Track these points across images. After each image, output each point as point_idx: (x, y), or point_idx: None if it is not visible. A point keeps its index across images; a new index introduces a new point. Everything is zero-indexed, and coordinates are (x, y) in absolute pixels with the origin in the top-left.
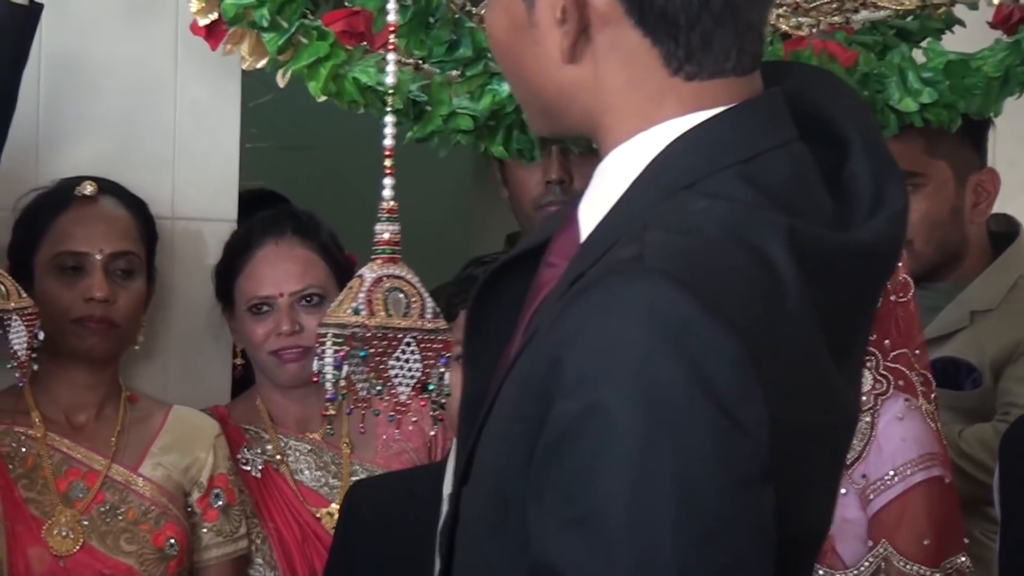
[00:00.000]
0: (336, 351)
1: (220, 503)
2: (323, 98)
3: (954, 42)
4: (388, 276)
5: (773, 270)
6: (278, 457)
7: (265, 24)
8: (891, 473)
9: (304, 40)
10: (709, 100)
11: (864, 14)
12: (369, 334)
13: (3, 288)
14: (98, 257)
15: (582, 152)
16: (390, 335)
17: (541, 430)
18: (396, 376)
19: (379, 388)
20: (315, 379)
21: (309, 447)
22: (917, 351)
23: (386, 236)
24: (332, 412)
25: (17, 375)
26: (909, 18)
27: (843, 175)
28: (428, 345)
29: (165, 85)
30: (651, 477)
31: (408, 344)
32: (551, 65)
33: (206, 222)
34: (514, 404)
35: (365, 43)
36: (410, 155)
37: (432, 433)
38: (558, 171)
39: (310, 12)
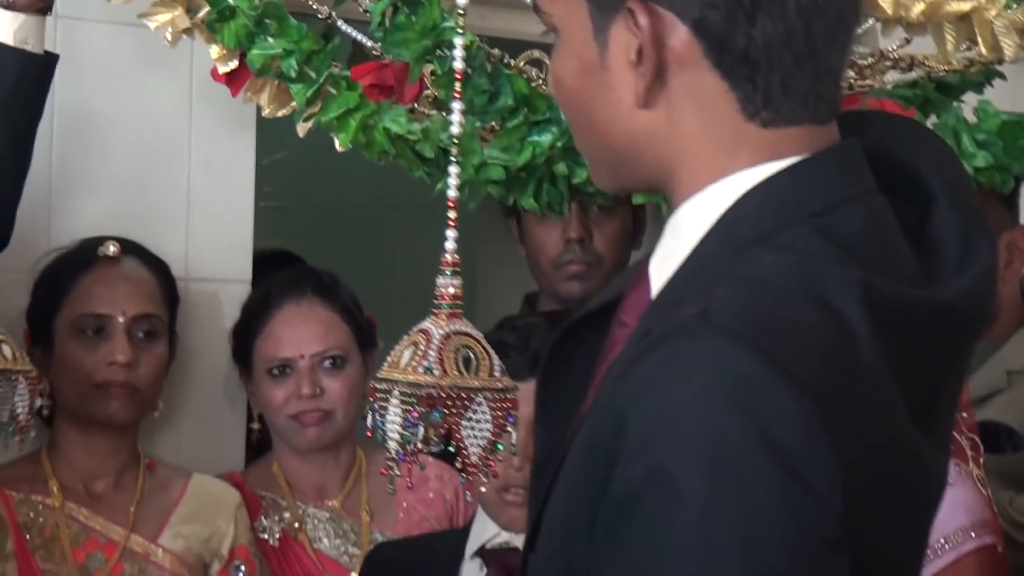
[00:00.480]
0: (407, 411)
1: (240, 574)
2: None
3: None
4: (456, 333)
5: (846, 327)
6: (296, 525)
7: (293, 75)
8: (942, 540)
9: (332, 91)
10: (784, 149)
11: (916, 72)
12: (444, 394)
13: (8, 351)
14: (120, 320)
15: (602, 210)
16: (463, 395)
17: (605, 494)
18: (468, 437)
19: (451, 449)
20: (369, 434)
21: (328, 515)
22: (964, 413)
23: (450, 290)
24: (396, 473)
25: (17, 439)
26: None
27: (928, 229)
28: (498, 404)
29: (179, 141)
30: (716, 543)
31: (479, 404)
32: (624, 111)
33: (221, 283)
34: (580, 467)
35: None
36: (413, 211)
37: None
38: (578, 229)
39: (336, 63)
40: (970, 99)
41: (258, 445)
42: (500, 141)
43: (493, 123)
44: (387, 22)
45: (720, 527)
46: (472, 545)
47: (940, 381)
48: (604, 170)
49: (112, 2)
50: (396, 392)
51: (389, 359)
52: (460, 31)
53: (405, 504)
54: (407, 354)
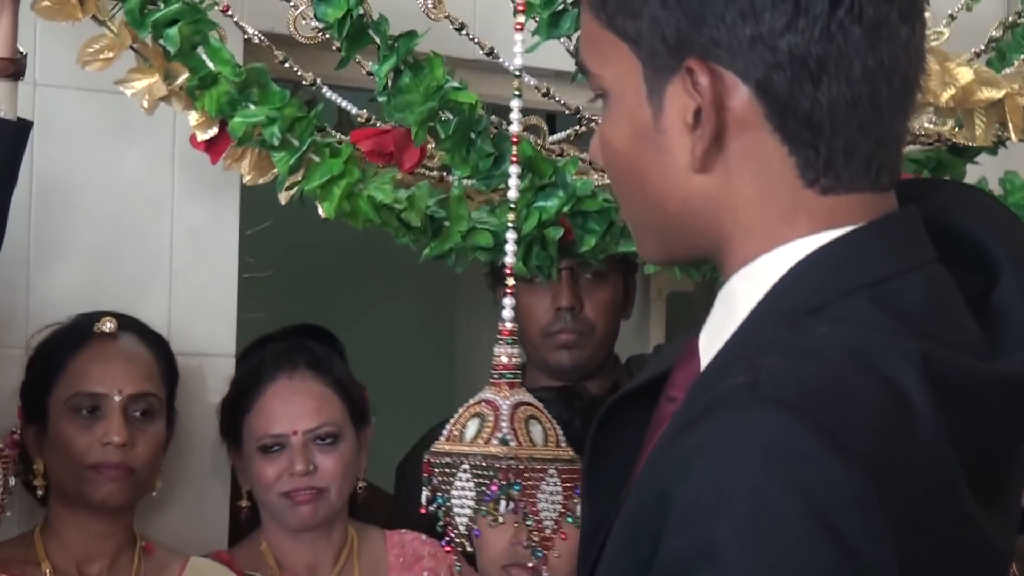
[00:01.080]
0: (482, 484)
1: None
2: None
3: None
4: (523, 403)
5: (904, 399)
6: None
7: (276, 142)
8: None
9: (316, 158)
10: (842, 217)
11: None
12: (522, 467)
13: None
14: (116, 399)
15: (593, 277)
16: (538, 466)
17: (650, 569)
18: (543, 509)
19: (529, 522)
20: (423, 510)
21: None
22: None
23: (504, 360)
24: (468, 548)
25: None
26: None
27: (992, 300)
28: (567, 475)
29: (160, 209)
30: None
31: (552, 475)
32: (678, 175)
33: (205, 357)
34: (624, 543)
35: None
36: (399, 276)
37: None
38: (569, 297)
39: (319, 131)
40: (989, 163)
41: (246, 523)
42: (505, 208)
43: (500, 187)
44: (390, 85)
45: None
46: None
47: (1006, 455)
48: (652, 239)
49: (86, 69)
50: (466, 466)
51: (447, 432)
52: (517, 93)
53: None
54: (473, 426)
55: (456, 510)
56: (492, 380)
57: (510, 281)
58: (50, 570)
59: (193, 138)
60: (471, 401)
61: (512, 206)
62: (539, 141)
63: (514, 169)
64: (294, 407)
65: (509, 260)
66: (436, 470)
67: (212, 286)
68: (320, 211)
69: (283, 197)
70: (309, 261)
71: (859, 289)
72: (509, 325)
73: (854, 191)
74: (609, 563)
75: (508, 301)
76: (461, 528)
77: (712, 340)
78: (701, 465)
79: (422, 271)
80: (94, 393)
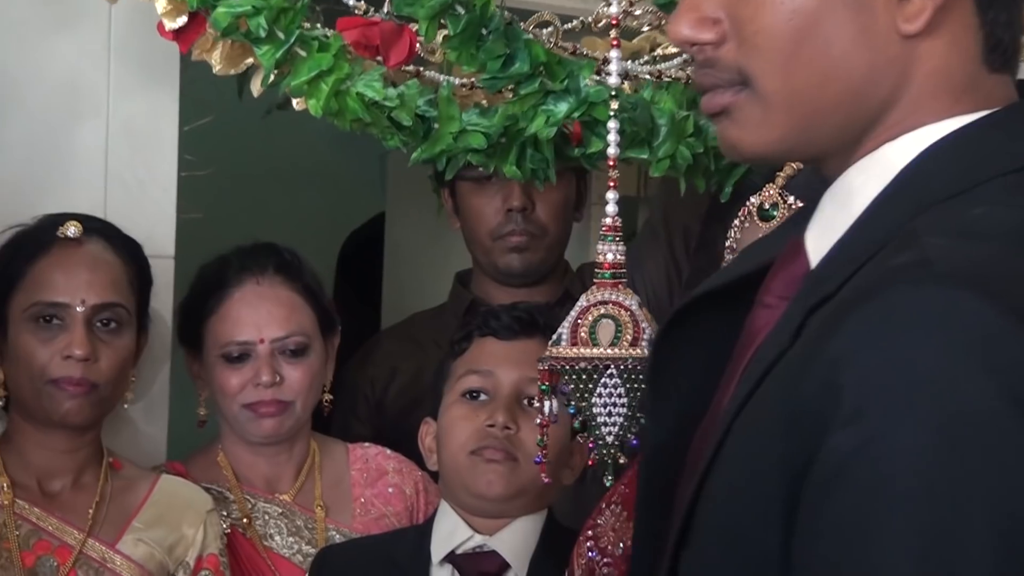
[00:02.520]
0: (634, 390)
1: None
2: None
3: None
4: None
5: None
6: (244, 520)
7: (262, 34)
8: None
9: (302, 52)
10: (994, 98)
11: None
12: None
13: None
14: (79, 309)
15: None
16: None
17: (807, 472)
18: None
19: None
20: (545, 423)
21: (280, 509)
22: None
23: (610, 258)
24: (618, 460)
25: None
26: None
27: None
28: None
29: (96, 103)
30: (960, 524)
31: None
32: (876, 39)
33: None
34: (756, 453)
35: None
36: (337, 179)
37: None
38: (520, 198)
39: (306, 22)
40: None
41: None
42: (511, 107)
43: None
44: None
45: (965, 504)
46: (439, 550)
47: None
48: (789, 122)
49: None
50: (612, 371)
51: (568, 337)
52: None
53: (362, 499)
54: (607, 328)
55: (603, 418)
56: (597, 280)
57: (613, 174)
58: (7, 484)
59: (160, 27)
60: (582, 304)
61: (612, 92)
62: (552, 39)
63: (615, 59)
64: (262, 313)
65: (612, 152)
66: (569, 377)
67: (150, 184)
68: (300, 107)
69: (256, 89)
70: (251, 159)
71: (1000, 175)
72: (610, 220)
73: (1005, 72)
74: (734, 483)
75: (612, 195)
76: (608, 439)
77: (823, 237)
78: (871, 351)
79: (354, 172)
80: (55, 303)
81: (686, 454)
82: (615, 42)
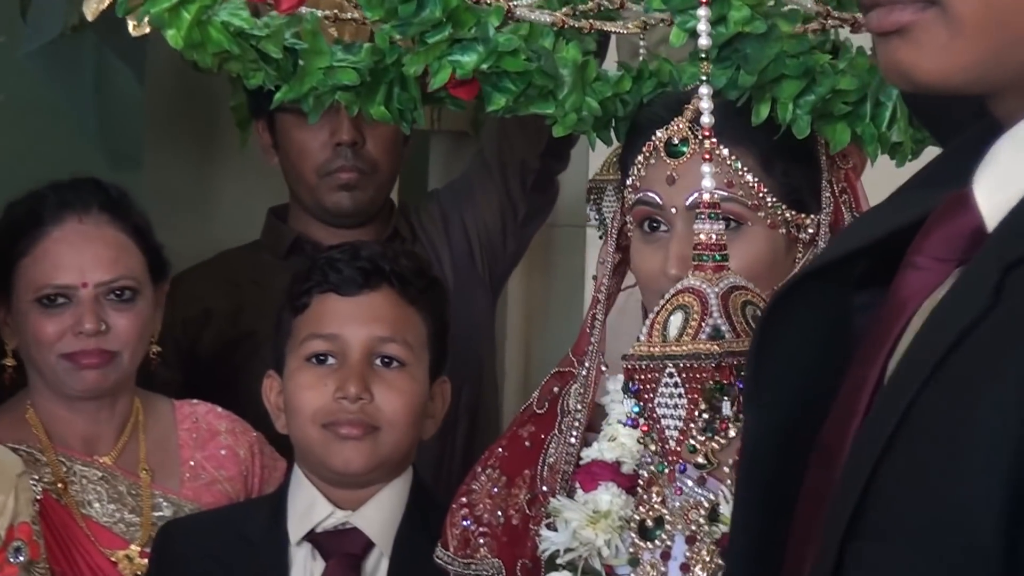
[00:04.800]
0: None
1: (21, 558)
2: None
3: None
4: (737, 288)
5: None
6: (59, 485)
7: None
8: None
9: None
10: None
11: None
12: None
13: None
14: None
15: None
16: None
17: None
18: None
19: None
20: (643, 427)
21: (100, 473)
22: None
23: (704, 238)
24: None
25: None
26: None
27: None
28: None
29: None
30: None
31: None
32: None
33: None
34: (972, 426)
35: None
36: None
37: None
38: (350, 131)
39: None
40: None
41: (11, 386)
42: (417, 58)
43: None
44: None
45: None
46: (297, 528)
47: None
48: (975, 45)
49: None
50: (671, 369)
51: (648, 329)
52: None
53: (192, 462)
54: (676, 320)
55: (666, 420)
56: (695, 263)
57: (707, 144)
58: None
59: None
60: (670, 292)
61: (703, 55)
62: None
63: (703, 11)
64: (85, 255)
65: (706, 120)
66: (637, 376)
67: None
68: (137, 32)
69: (91, 12)
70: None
71: None
72: (709, 196)
73: None
74: (940, 451)
75: (707, 168)
76: (671, 443)
77: (1002, 189)
78: None
79: None
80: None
81: (807, 442)
82: None
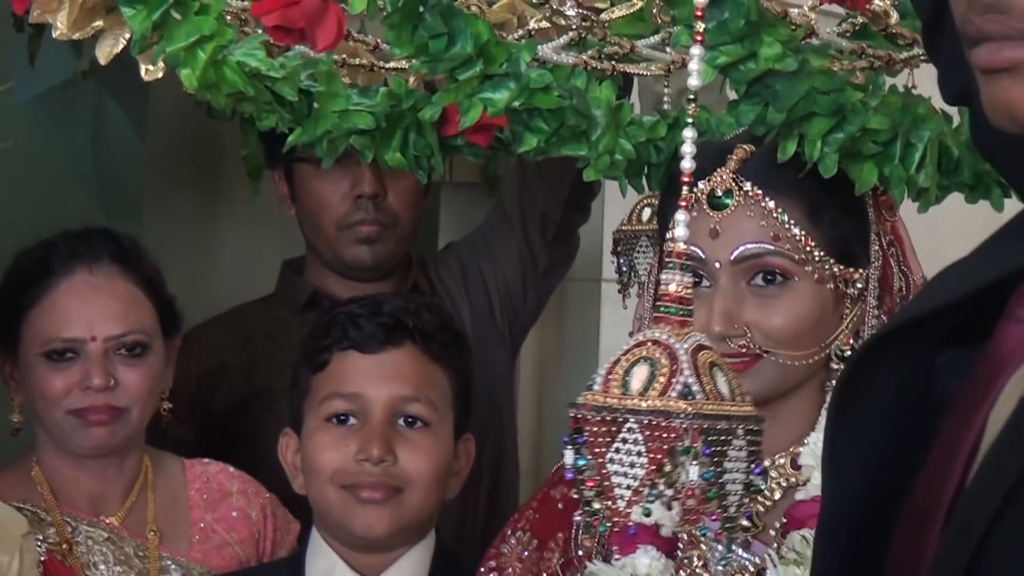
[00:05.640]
0: (655, 447)
1: None
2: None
3: None
4: (703, 347)
5: None
6: (64, 546)
7: None
8: None
9: (176, 15)
10: None
11: None
12: (707, 425)
13: None
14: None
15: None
16: (724, 426)
17: None
18: (729, 481)
19: (711, 494)
20: (589, 483)
21: (106, 534)
22: None
23: (674, 289)
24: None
25: None
26: None
27: None
28: (753, 439)
29: None
30: None
31: (739, 437)
32: None
33: None
34: None
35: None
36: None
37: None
38: (372, 183)
39: None
40: None
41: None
42: (447, 96)
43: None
44: None
45: None
46: None
47: None
48: None
49: None
50: (632, 424)
51: (602, 380)
52: None
53: (202, 524)
54: (640, 373)
55: (617, 479)
56: (658, 315)
57: (685, 190)
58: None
59: None
60: (629, 344)
61: (692, 96)
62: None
63: (696, 50)
64: (95, 307)
65: (686, 165)
66: (588, 428)
67: None
68: (150, 77)
69: (104, 56)
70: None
71: None
72: (682, 246)
73: None
74: None
75: (681, 216)
76: (620, 503)
77: None
78: None
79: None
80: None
81: (890, 505)
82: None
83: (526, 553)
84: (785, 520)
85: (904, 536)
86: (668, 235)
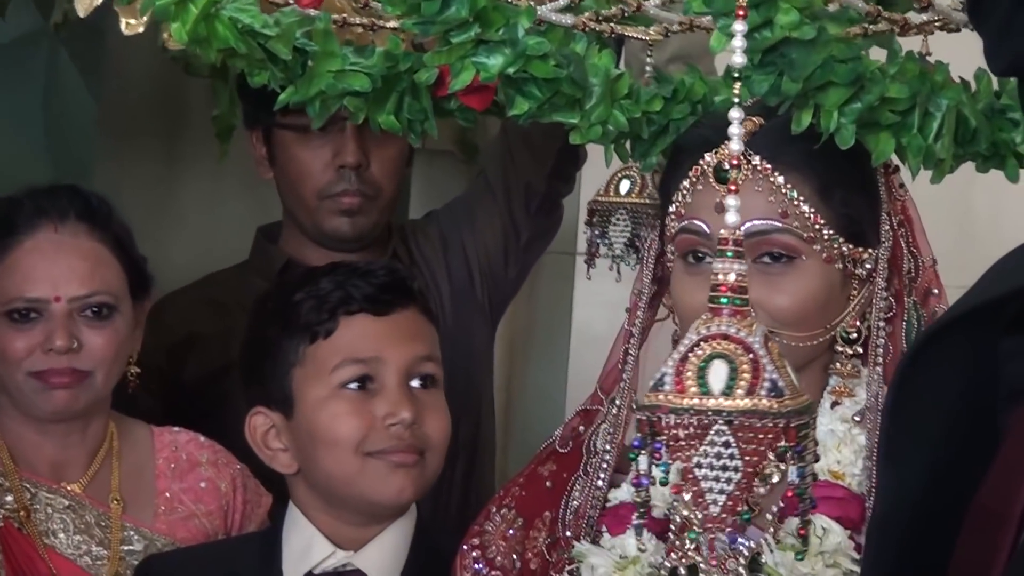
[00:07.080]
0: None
1: None
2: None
3: None
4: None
5: None
6: (21, 513)
7: None
8: None
9: None
10: None
11: None
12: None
13: None
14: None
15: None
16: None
17: None
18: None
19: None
20: (674, 489)
21: (67, 502)
22: None
23: (732, 278)
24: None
25: None
26: None
27: None
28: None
29: None
30: None
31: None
32: None
33: None
34: None
35: None
36: None
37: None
38: (355, 154)
39: None
40: None
41: None
42: (438, 57)
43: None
44: None
45: None
46: (294, 569)
47: None
48: None
49: None
50: (722, 426)
51: (671, 378)
52: None
53: (167, 494)
54: (720, 370)
55: (708, 483)
56: (714, 306)
57: (734, 174)
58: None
59: None
60: (692, 338)
61: (736, 74)
62: None
63: (739, 26)
64: (60, 267)
65: (735, 147)
66: (668, 431)
67: None
68: (130, 32)
69: (82, 8)
70: None
71: None
72: (735, 234)
73: None
74: None
75: (732, 201)
76: (714, 508)
77: None
78: None
79: None
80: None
81: (953, 502)
82: None
83: (511, 531)
84: (783, 505)
85: (972, 536)
86: (671, 209)
